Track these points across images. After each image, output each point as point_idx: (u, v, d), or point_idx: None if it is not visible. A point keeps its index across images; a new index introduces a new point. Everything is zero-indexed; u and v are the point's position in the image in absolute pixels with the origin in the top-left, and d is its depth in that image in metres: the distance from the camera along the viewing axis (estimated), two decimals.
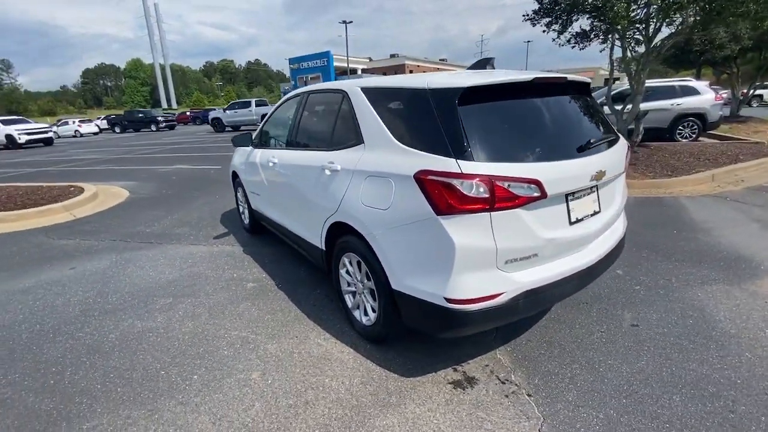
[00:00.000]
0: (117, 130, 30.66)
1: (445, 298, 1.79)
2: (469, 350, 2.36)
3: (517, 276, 1.85)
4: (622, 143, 2.38)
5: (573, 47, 7.41)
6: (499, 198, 1.71)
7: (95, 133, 30.10)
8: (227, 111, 23.20)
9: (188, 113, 38.14)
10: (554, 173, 1.85)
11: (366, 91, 2.35)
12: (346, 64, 45.56)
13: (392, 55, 62.13)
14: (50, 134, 22.02)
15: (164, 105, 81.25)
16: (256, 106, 22.59)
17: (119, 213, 6.07)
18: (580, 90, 2.34)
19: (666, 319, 2.59)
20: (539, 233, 1.86)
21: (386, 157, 2.04)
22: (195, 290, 3.32)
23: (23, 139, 20.41)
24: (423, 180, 1.79)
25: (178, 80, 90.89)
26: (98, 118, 36.19)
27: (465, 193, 1.69)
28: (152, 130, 29.14)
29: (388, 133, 2.08)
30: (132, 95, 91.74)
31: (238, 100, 25.63)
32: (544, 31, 7.22)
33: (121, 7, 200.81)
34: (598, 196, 2.18)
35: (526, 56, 63.07)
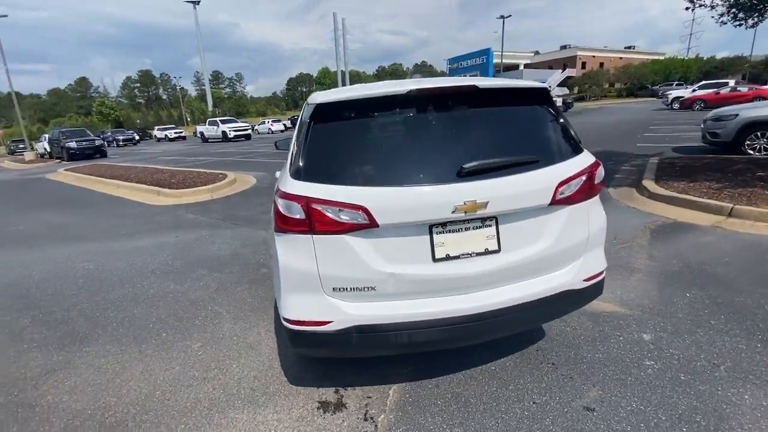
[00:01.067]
0: None
1: (282, 316, 1.80)
2: (371, 377, 2.23)
3: (346, 307, 1.69)
4: (555, 170, 1.78)
5: (739, 25, 5.36)
6: (319, 221, 1.61)
7: (282, 131, 37.33)
8: None
9: None
10: (393, 200, 1.59)
11: (306, 102, 2.44)
12: (500, 60, 43.43)
13: (563, 47, 55.89)
14: (248, 131, 28.45)
15: None
16: None
17: (238, 197, 7.61)
18: (522, 99, 1.87)
19: (647, 414, 1.84)
20: (376, 265, 1.64)
21: (284, 170, 2.12)
22: (226, 267, 4.02)
23: (232, 134, 27.07)
24: (277, 196, 1.82)
25: (354, 84, 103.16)
26: (288, 119, 44.65)
27: (284, 213, 1.66)
28: None
29: (294, 146, 2.14)
30: None
31: None
32: (687, 8, 5.46)
33: (320, 24, 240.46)
34: (498, 232, 1.73)
35: (753, 36, 47.14)
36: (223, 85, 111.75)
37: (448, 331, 1.72)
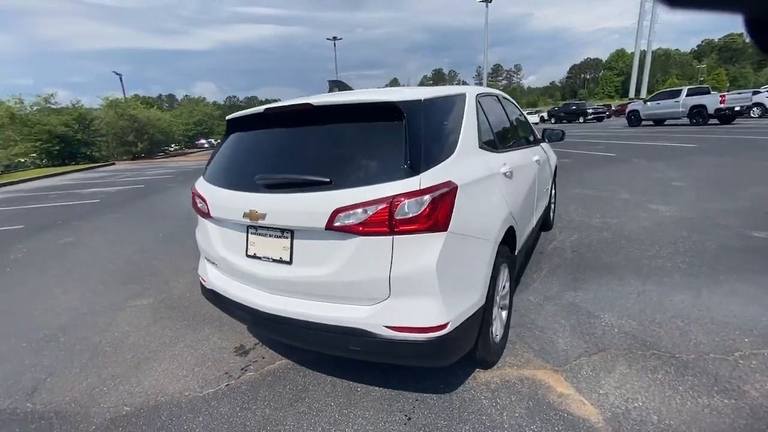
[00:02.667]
0: (552, 120, 34.53)
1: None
2: (285, 346, 2.63)
3: (210, 273, 2.21)
4: (339, 194, 1.56)
5: None
6: (197, 206, 2.17)
7: (535, 123, 35.57)
8: (648, 102, 20.18)
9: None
10: (217, 198, 1.94)
11: None
12: None
13: None
14: None
15: (631, 94, 78.12)
16: (688, 95, 18.06)
17: None
18: (358, 116, 1.73)
19: None
20: (216, 247, 2.06)
21: None
22: None
23: None
24: None
25: (657, 66, 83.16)
26: (551, 109, 41.79)
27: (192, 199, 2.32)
28: (579, 122, 30.43)
29: None
30: (604, 86, 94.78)
31: (666, 89, 21.36)
32: None
33: None
34: (292, 245, 1.73)
35: None
36: (501, 78, 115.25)
37: (254, 320, 1.97)
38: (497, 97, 3.07)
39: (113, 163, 22.96)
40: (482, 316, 1.90)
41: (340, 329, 1.70)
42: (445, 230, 1.58)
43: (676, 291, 2.99)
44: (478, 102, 2.42)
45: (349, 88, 2.37)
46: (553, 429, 1.81)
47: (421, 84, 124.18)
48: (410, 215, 1.52)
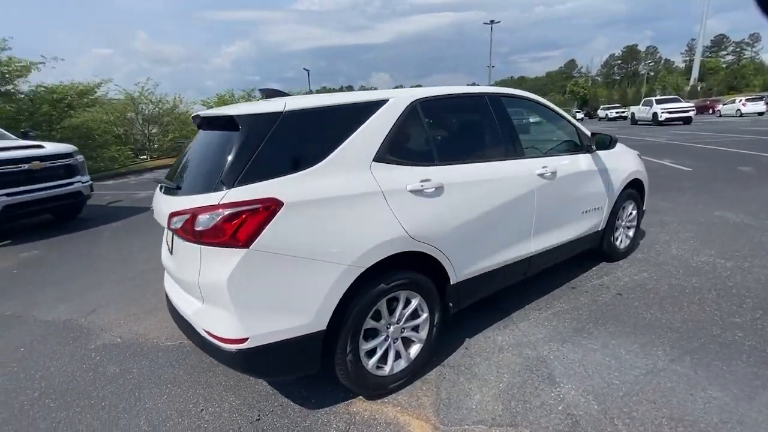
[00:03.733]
0: None
1: None
2: None
3: None
4: (174, 200, 1.71)
5: None
6: None
7: (760, 113, 26.14)
8: None
9: None
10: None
11: None
12: None
13: None
14: (689, 113, 22.62)
15: None
16: None
17: None
18: (222, 127, 1.84)
19: None
20: (161, 246, 2.46)
21: None
22: None
23: (663, 116, 22.73)
24: None
25: None
26: None
27: None
28: None
29: None
30: None
31: None
32: None
33: None
34: (173, 239, 1.98)
35: None
36: (725, 53, 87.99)
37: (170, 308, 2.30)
38: (487, 98, 2.58)
39: None
40: (323, 342, 1.79)
41: (185, 321, 1.91)
42: (246, 247, 1.57)
43: (716, 383, 2.03)
44: (413, 109, 2.14)
45: (284, 95, 2.40)
46: None
47: (606, 64, 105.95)
48: (206, 228, 1.57)
